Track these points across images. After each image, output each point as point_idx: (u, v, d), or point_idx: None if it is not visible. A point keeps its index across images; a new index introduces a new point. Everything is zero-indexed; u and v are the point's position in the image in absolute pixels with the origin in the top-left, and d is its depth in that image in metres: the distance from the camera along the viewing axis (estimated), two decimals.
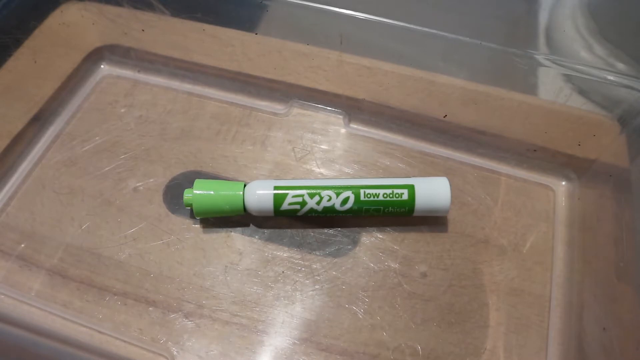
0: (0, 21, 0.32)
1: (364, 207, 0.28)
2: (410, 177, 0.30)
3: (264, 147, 0.34)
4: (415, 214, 0.29)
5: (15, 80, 0.33)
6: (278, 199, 0.28)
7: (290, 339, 0.26)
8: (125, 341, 0.26)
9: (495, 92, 0.33)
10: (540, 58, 0.32)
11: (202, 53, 0.36)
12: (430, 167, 0.33)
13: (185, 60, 0.36)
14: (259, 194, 0.28)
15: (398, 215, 0.29)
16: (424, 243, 0.30)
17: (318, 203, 0.28)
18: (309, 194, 0.28)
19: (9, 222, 0.30)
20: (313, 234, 0.30)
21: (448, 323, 0.27)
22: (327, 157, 0.33)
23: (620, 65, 0.34)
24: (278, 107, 0.36)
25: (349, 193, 0.28)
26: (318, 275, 0.28)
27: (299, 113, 0.35)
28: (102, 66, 0.38)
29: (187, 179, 0.32)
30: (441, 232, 0.30)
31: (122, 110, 0.35)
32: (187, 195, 0.28)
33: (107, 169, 0.32)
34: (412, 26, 0.32)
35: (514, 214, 0.31)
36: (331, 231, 0.30)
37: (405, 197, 0.28)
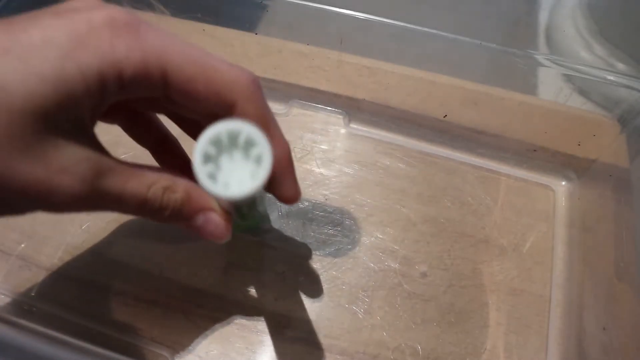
0: None
1: None
2: (408, 176, 0.30)
3: None
4: None
5: None
6: None
7: (291, 339, 0.26)
8: (125, 341, 0.26)
9: (495, 92, 0.33)
10: (540, 58, 0.32)
11: None
12: (430, 167, 0.33)
13: None
14: None
15: None
16: (424, 243, 0.30)
17: None
18: None
19: (9, 222, 0.29)
20: (313, 234, 0.30)
21: (448, 323, 0.27)
22: (327, 157, 0.33)
23: (620, 65, 0.34)
24: (278, 107, 0.36)
25: None
26: (318, 275, 0.28)
27: (299, 113, 0.35)
28: None
29: None
30: (441, 232, 0.30)
31: None
32: None
33: None
34: (412, 26, 0.32)
35: (514, 214, 0.31)
36: (331, 231, 0.30)
37: None
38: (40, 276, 0.27)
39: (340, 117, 0.35)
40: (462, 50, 0.32)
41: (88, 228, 0.29)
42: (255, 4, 0.35)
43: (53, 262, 0.28)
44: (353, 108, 0.35)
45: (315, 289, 0.28)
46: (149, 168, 0.20)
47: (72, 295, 0.27)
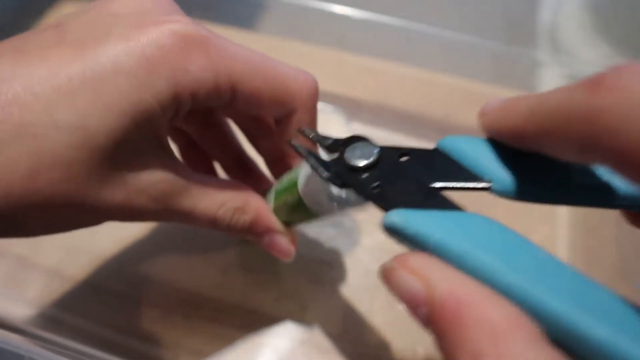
0: None
1: None
2: None
3: None
4: None
5: None
6: None
7: (290, 340, 0.26)
8: (123, 342, 0.25)
9: (498, 92, 0.33)
10: (542, 57, 0.31)
11: None
12: None
13: None
14: None
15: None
16: None
17: None
18: None
19: None
20: (313, 234, 0.30)
21: None
22: None
23: None
24: None
25: None
26: (318, 276, 0.28)
27: None
28: None
29: None
30: None
31: None
32: None
33: None
34: (412, 26, 0.32)
35: (515, 215, 0.31)
36: (331, 231, 0.30)
37: None
38: (38, 277, 0.27)
39: (341, 117, 0.35)
40: (464, 49, 0.32)
41: (87, 229, 0.29)
42: (255, 3, 0.35)
43: (52, 263, 0.28)
44: (353, 108, 0.35)
45: (315, 289, 0.28)
46: (223, 184, 0.20)
47: (69, 296, 0.27)
